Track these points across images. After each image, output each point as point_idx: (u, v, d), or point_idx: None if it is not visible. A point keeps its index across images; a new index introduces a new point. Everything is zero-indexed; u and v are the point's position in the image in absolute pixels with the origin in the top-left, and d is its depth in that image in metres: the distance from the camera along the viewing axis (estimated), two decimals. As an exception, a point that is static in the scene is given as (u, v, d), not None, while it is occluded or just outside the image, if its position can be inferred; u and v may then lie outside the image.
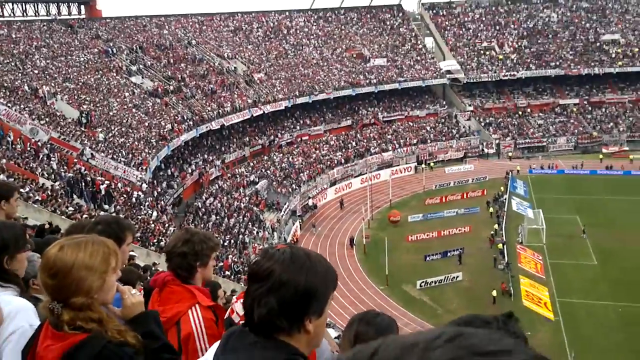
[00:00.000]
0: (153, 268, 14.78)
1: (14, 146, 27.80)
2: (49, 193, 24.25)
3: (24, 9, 52.92)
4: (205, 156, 47.41)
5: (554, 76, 67.06)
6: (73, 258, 1.98)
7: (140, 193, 32.44)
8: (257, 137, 53.94)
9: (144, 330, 2.21)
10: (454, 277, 34.70)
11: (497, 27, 73.52)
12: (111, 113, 41.12)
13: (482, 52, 70.09)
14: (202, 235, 2.94)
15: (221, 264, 30.63)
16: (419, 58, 68.59)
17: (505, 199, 46.78)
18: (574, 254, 37.01)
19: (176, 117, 45.26)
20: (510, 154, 60.84)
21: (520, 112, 66.05)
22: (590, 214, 42.60)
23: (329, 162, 53.71)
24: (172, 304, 2.77)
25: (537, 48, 70.28)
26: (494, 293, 31.76)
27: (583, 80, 67.37)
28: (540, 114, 66.12)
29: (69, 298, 1.97)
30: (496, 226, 41.54)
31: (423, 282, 34.24)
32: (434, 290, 33.74)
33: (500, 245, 37.82)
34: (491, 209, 45.10)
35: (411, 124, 62.61)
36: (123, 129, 39.55)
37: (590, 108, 66.23)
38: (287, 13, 70.02)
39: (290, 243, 1.86)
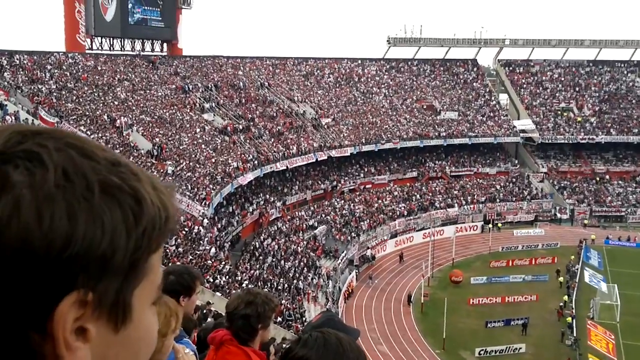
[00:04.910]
0: (205, 310, 14.23)
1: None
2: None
3: (111, 43, 55.80)
4: (267, 196, 47.39)
5: (637, 143, 63.84)
6: None
7: (200, 228, 32.47)
8: (319, 182, 53.64)
9: None
10: (516, 348, 32.73)
11: (577, 89, 71.14)
12: (181, 147, 41.98)
13: (559, 112, 67.80)
14: (264, 297, 2.89)
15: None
16: (491, 114, 67.08)
17: (577, 269, 43.95)
18: (651, 337, 33.98)
19: (243, 156, 45.70)
20: (585, 221, 57.49)
21: (597, 178, 62.78)
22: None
23: (391, 213, 52.48)
24: None
25: (619, 113, 67.33)
26: (560, 370, 29.57)
27: (668, 149, 63.92)
28: (620, 182, 62.66)
29: None
30: (566, 297, 38.97)
31: (482, 350, 32.44)
32: (493, 360, 31.79)
33: (569, 319, 35.40)
34: (561, 279, 42.37)
35: (480, 180, 60.68)
36: (191, 164, 40.17)
37: (675, 179, 62.45)
38: (360, 61, 70.42)
39: (323, 329, 1.54)
